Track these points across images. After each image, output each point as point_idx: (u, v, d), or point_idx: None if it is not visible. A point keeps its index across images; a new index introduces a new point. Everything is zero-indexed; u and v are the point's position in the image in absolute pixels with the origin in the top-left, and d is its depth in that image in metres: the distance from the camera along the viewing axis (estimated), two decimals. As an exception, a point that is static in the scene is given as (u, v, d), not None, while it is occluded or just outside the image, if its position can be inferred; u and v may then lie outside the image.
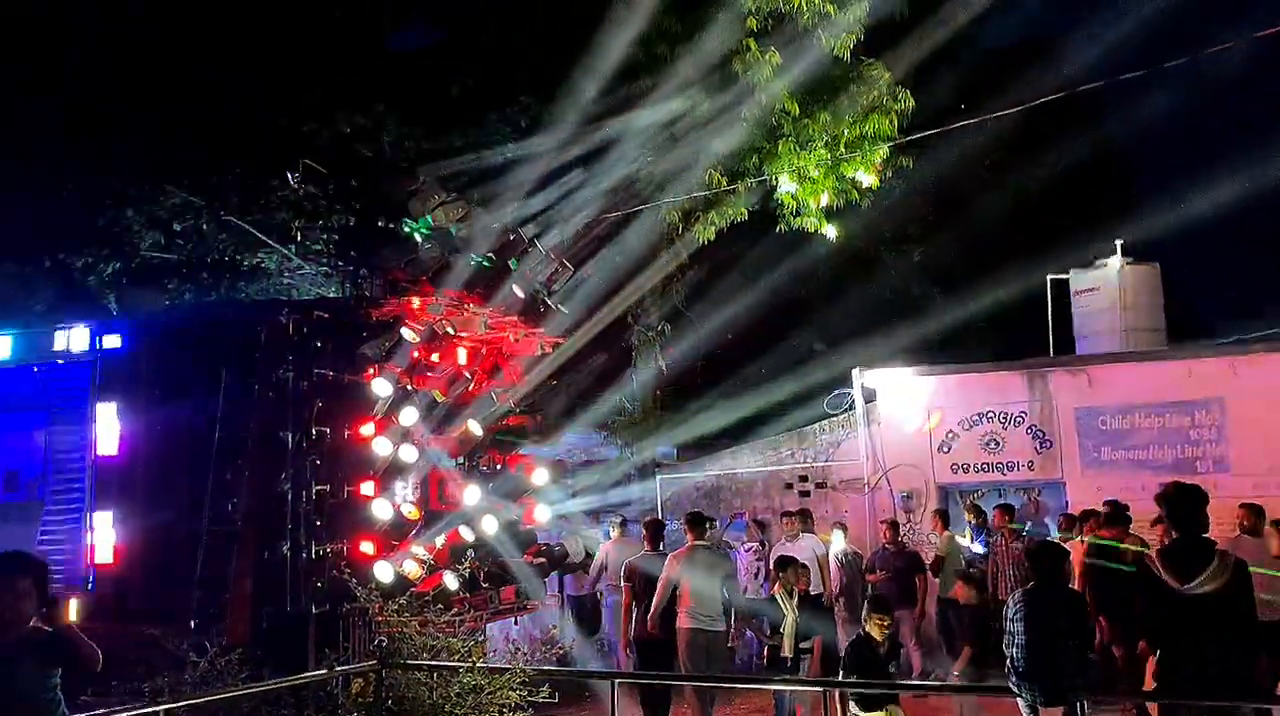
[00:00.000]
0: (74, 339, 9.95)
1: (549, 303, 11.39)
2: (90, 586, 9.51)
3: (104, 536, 9.55)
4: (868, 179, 14.01)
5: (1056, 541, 9.26)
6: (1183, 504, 5.11)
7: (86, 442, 9.85)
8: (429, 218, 9.67)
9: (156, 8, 17.04)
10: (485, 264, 10.34)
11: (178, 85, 15.81)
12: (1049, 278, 15.74)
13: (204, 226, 15.45)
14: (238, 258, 15.33)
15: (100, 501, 9.62)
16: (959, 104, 16.09)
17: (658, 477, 14.80)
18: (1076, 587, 9.37)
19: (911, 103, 13.54)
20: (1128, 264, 14.73)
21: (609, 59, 13.88)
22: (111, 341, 9.89)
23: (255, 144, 15.10)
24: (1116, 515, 9.99)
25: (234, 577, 8.82)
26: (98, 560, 9.49)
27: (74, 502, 9.87)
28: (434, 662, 7.50)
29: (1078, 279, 15.28)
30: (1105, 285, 14.82)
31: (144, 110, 15.71)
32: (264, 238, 14.22)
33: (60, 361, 9.98)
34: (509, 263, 10.79)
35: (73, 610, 9.35)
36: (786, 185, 13.54)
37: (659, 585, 9.20)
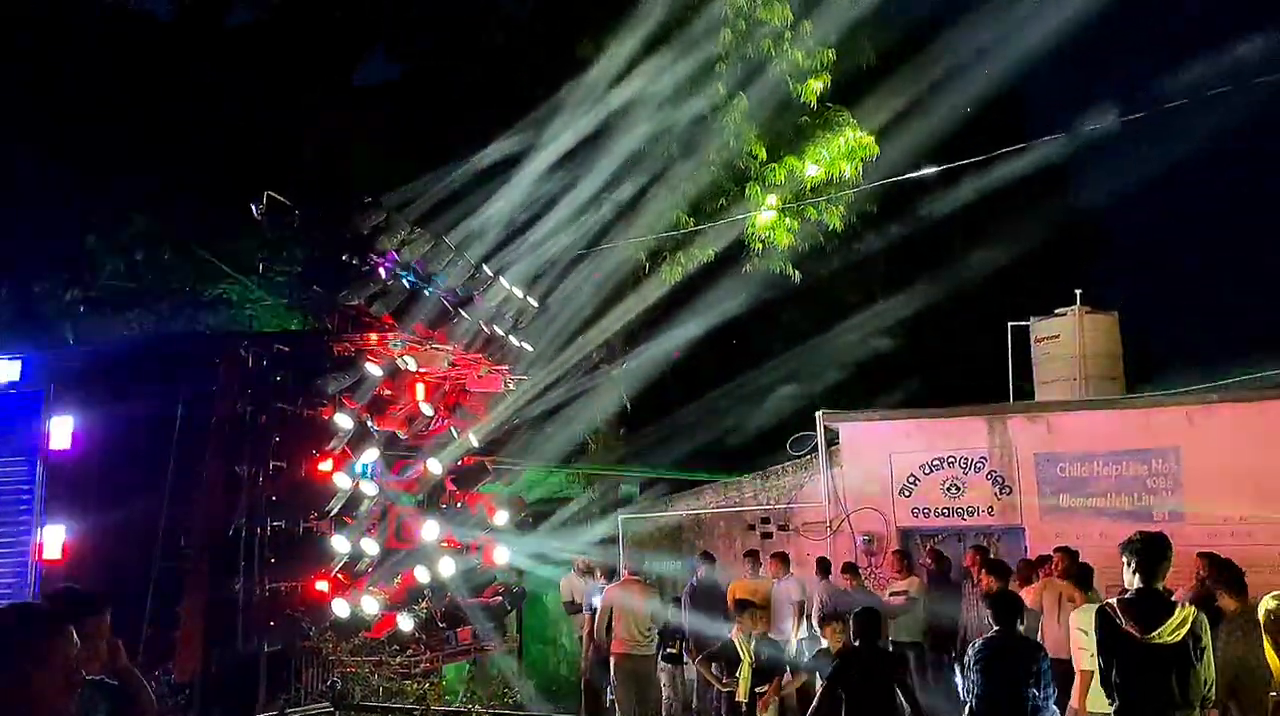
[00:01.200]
0: (25, 367, 9.75)
1: (513, 339, 11.35)
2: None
3: (50, 568, 9.31)
4: (833, 222, 14.18)
5: (1010, 591, 9.29)
6: (1149, 553, 5.13)
7: (34, 475, 9.62)
8: (415, 263, 9.64)
9: (131, 33, 17.05)
10: (449, 300, 10.29)
11: (142, 108, 15.75)
12: (1010, 324, 15.88)
13: (166, 255, 15.33)
14: (199, 288, 15.21)
15: (48, 528, 9.38)
16: (924, 150, 16.36)
17: (619, 516, 14.71)
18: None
19: (876, 150, 13.72)
20: (1087, 313, 14.89)
21: (578, 96, 13.99)
22: (65, 370, 9.71)
23: (218, 173, 15.06)
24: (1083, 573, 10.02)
25: (185, 614, 8.63)
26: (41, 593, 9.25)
27: (20, 536, 9.61)
28: (388, 705, 7.36)
29: (1038, 326, 15.43)
30: (1065, 333, 14.97)
31: (111, 134, 15.63)
32: (226, 268, 14.12)
33: (11, 391, 9.77)
34: (473, 298, 10.75)
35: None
36: (751, 234, 13.67)
37: (599, 612, 10.71)
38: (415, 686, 7.59)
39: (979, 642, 6.31)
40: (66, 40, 16.79)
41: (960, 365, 17.35)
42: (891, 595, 11.74)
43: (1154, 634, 4.97)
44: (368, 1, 17.36)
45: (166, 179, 15.50)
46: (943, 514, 13.31)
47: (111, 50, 17.09)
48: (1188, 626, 4.98)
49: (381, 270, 9.39)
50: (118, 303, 15.05)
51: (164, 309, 14.80)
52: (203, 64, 17.01)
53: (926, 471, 13.42)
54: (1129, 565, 5.15)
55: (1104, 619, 5.14)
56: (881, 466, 13.59)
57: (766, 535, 14.04)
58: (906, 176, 12.68)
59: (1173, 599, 5.34)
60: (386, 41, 17.44)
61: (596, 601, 11.51)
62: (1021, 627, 6.43)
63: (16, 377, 9.58)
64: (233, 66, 17.21)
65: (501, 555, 10.94)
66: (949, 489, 13.28)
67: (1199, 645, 5.03)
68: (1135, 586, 5.11)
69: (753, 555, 12.77)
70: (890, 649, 10.48)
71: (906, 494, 13.46)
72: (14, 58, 15.81)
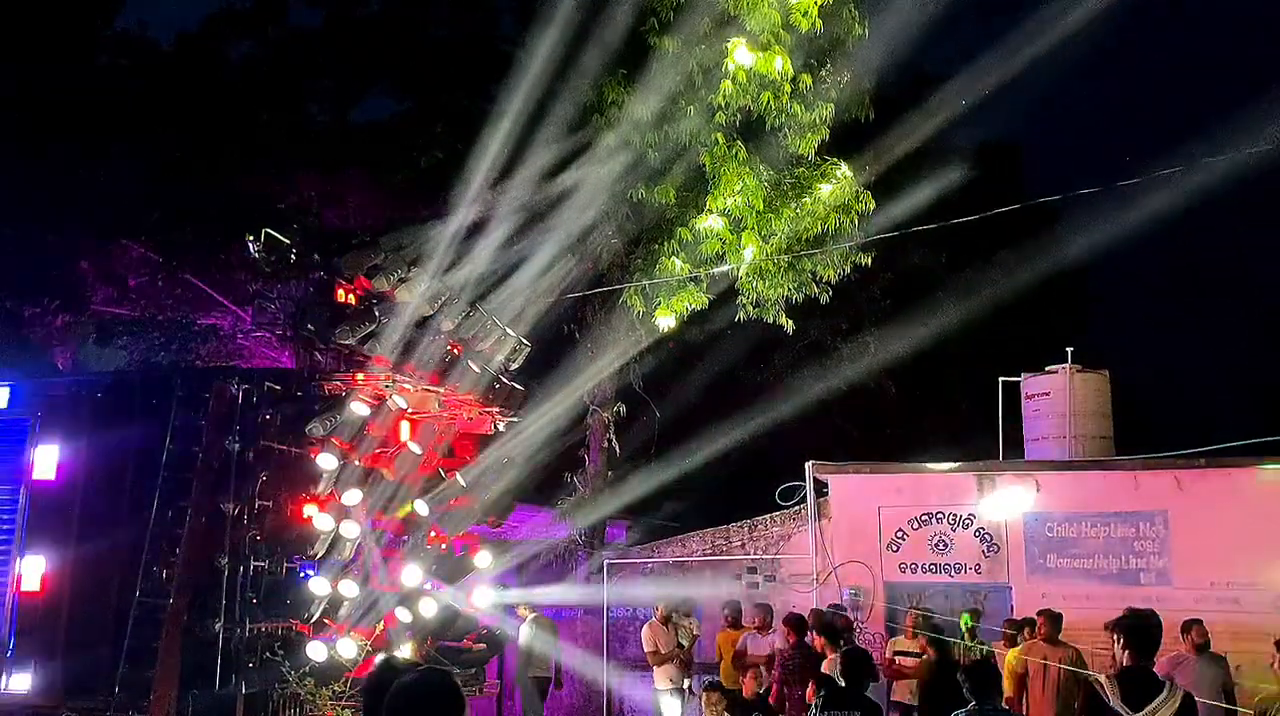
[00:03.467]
0: (13, 394, 9.70)
1: (504, 380, 11.30)
2: (10, 654, 9.14)
3: (28, 599, 9.19)
4: (828, 274, 14.23)
5: (990, 661, 9.26)
6: (1140, 631, 5.13)
7: (16, 504, 9.53)
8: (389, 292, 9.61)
9: (133, 62, 17.15)
10: (442, 340, 10.27)
11: (142, 145, 15.81)
12: (1001, 380, 15.90)
13: (159, 283, 15.29)
14: (191, 317, 15.17)
15: (28, 559, 9.28)
16: (920, 203, 16.45)
17: (604, 563, 14.63)
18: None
19: (873, 204, 13.79)
20: (1077, 371, 14.93)
21: (576, 141, 14.05)
22: (53, 398, 9.65)
23: (216, 206, 15.08)
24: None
25: (162, 651, 8.51)
26: (17, 624, 9.13)
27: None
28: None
29: (1029, 383, 15.45)
30: (1055, 390, 14.98)
31: (108, 161, 15.66)
32: (220, 298, 14.09)
33: (-1, 416, 9.70)
34: (466, 339, 10.73)
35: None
36: (746, 284, 13.73)
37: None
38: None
39: (962, 713, 6.25)
40: (68, 65, 16.87)
41: (950, 418, 17.37)
42: (897, 654, 11.53)
43: (1143, 712, 4.95)
44: (366, 40, 17.50)
45: (162, 208, 15.52)
46: (930, 570, 13.28)
47: (113, 78, 17.19)
48: (1177, 705, 4.95)
49: (376, 310, 9.37)
50: (109, 330, 15.01)
51: (156, 337, 14.75)
52: (202, 96, 17.10)
53: (914, 526, 13.41)
54: (1118, 641, 5.14)
55: (1092, 695, 5.12)
56: (869, 520, 13.56)
57: (753, 585, 13.98)
58: (901, 232, 12.73)
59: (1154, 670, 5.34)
60: (389, 80, 17.56)
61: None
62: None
63: (4, 405, 9.52)
64: (233, 98, 17.30)
65: (484, 597, 10.83)
66: (936, 545, 13.26)
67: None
68: (1124, 664, 5.10)
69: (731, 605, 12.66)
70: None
71: (894, 548, 13.42)
72: (12, 82, 15.87)
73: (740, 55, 12.19)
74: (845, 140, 14.42)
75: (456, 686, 3.33)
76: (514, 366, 11.63)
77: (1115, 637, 5.16)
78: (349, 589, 8.66)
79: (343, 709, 7.70)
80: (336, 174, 15.65)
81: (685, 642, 12.52)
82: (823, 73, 13.45)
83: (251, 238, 9.32)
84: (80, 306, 15.12)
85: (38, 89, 16.07)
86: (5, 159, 15.35)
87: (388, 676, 3.66)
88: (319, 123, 18.00)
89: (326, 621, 8.54)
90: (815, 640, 10.57)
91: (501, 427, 11.36)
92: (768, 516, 14.41)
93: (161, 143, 16.34)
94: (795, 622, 10.91)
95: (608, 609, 14.67)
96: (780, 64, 12.29)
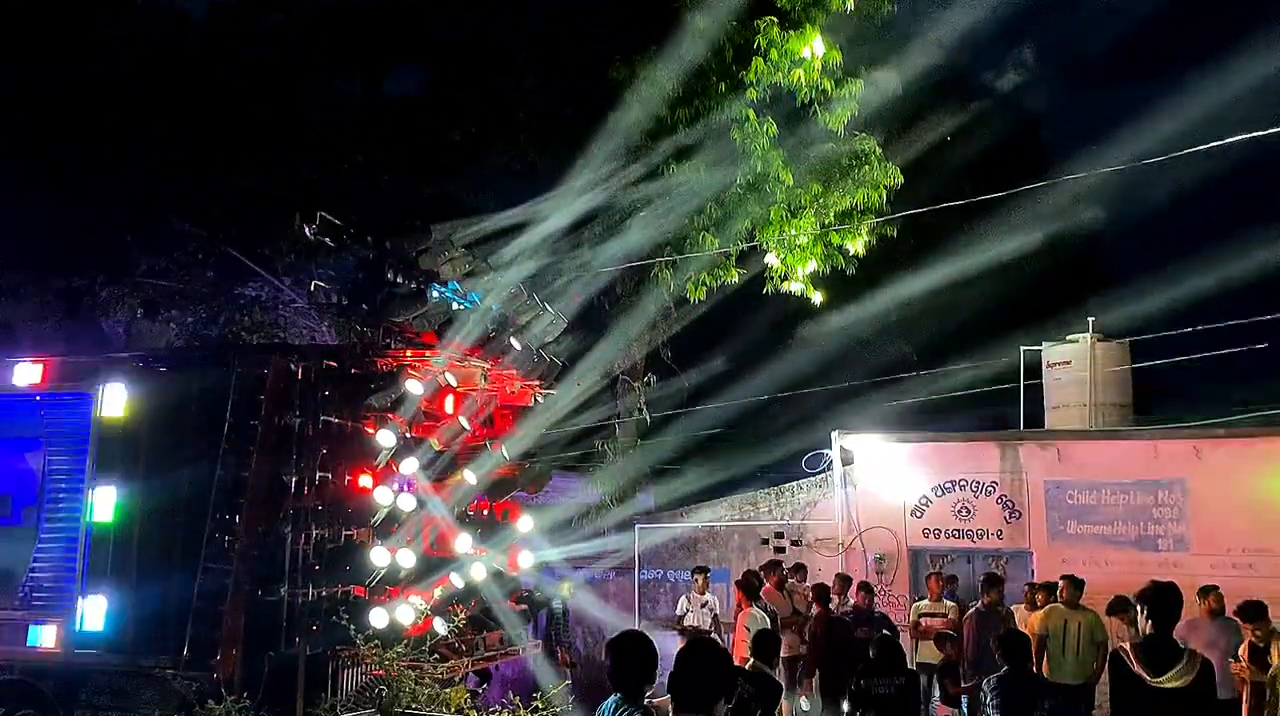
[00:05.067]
0: (81, 369, 10.13)
1: (543, 354, 11.71)
2: (81, 614, 9.63)
3: (98, 565, 9.66)
4: (855, 247, 14.51)
5: (1017, 628, 9.69)
6: (1162, 603, 5.52)
7: (84, 471, 9.97)
8: (455, 282, 10.00)
9: (168, 34, 17.42)
10: (487, 317, 10.66)
11: (178, 108, 16.11)
12: (1022, 348, 16.19)
13: (199, 256, 15.68)
14: (233, 288, 15.57)
15: (95, 531, 9.73)
16: (945, 170, 16.71)
17: (635, 527, 15.08)
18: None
19: (900, 178, 14.02)
20: (1098, 340, 15.21)
21: (608, 116, 14.31)
22: (115, 374, 10.06)
23: (253, 180, 15.42)
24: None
25: (228, 614, 8.99)
26: (90, 590, 9.60)
27: (69, 530, 9.95)
28: (432, 713, 7.72)
29: (1050, 352, 15.74)
30: (1076, 360, 15.28)
31: (149, 133, 15.99)
32: (260, 270, 14.46)
33: (66, 389, 10.13)
34: (507, 315, 11.13)
35: (52, 637, 9.55)
36: (775, 259, 14.02)
37: None
38: (457, 694, 7.96)
39: (993, 680, 6.68)
40: (104, 40, 17.16)
41: (972, 387, 17.66)
42: (924, 616, 11.97)
43: (1163, 678, 5.35)
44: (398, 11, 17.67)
45: (203, 180, 15.88)
46: (953, 535, 13.67)
47: (147, 50, 17.46)
48: (1195, 672, 5.35)
49: (425, 290, 9.76)
50: (154, 302, 15.43)
51: (200, 310, 15.16)
52: (237, 64, 17.37)
53: (938, 493, 13.79)
54: (1142, 612, 5.54)
55: (1115, 662, 5.53)
56: (894, 487, 13.95)
57: (780, 550, 14.43)
58: (932, 208, 12.95)
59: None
60: (415, 56, 17.75)
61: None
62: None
63: (38, 380, 9.93)
64: (267, 67, 17.55)
65: (526, 560, 11.33)
66: (960, 511, 13.64)
67: (1205, 689, 5.39)
68: (1147, 632, 5.50)
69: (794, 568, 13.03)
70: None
71: (918, 515, 13.82)
72: (49, 57, 16.18)
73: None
74: (874, 114, 14.62)
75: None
76: (550, 341, 12.03)
77: (1139, 608, 5.56)
78: (406, 558, 9.12)
79: (406, 669, 8.17)
80: (369, 149, 15.95)
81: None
82: (853, 49, 13.65)
83: (306, 219, 9.64)
84: (125, 279, 15.51)
85: (71, 69, 16.41)
86: (49, 137, 15.73)
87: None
88: (348, 97, 18.23)
89: (385, 587, 9.01)
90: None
91: (540, 399, 11.79)
92: (794, 483, 14.81)
93: (196, 120, 16.65)
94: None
95: (638, 570, 15.16)
96: (819, 47, 12.47)
